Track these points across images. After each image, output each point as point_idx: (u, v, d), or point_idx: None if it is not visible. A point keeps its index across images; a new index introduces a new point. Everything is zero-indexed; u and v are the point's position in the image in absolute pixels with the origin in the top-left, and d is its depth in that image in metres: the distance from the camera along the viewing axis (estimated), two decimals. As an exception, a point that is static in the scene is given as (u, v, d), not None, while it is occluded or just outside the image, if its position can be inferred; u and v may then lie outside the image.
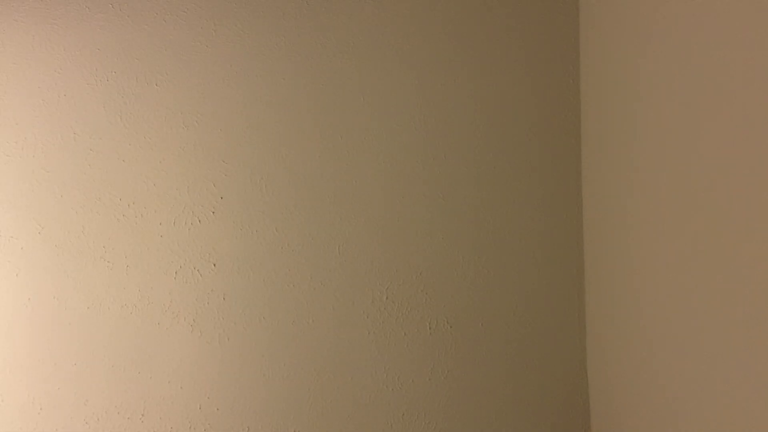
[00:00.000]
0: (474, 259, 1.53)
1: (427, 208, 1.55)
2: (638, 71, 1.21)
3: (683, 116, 1.02)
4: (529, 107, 1.56)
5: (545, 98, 1.56)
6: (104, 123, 1.57)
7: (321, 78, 1.57)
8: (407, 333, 1.52)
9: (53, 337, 1.52)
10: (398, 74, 1.57)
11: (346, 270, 1.53)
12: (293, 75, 1.57)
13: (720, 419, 0.91)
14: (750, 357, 0.83)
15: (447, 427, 1.51)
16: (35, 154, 1.56)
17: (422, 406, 1.51)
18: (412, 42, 1.58)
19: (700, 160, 0.96)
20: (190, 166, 1.55)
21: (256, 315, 1.53)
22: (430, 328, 1.52)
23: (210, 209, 1.54)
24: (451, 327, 1.52)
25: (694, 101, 0.98)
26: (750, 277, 0.82)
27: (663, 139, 1.10)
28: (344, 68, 1.57)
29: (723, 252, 0.90)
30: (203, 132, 1.56)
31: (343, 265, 1.54)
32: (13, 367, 1.52)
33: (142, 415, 1.51)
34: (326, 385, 1.51)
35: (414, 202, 1.55)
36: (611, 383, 1.38)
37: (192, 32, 1.58)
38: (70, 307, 1.53)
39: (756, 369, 0.81)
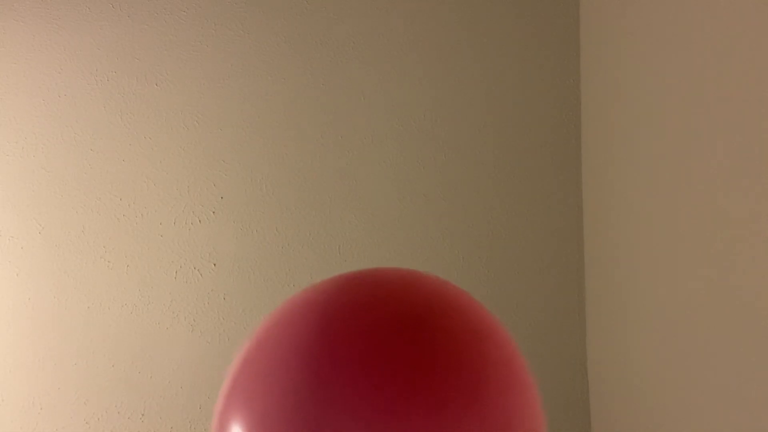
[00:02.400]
0: (474, 259, 1.53)
1: (427, 208, 1.55)
2: (639, 70, 1.21)
3: (684, 115, 1.02)
4: (530, 107, 1.56)
5: (545, 98, 1.56)
6: (104, 123, 1.57)
7: (321, 77, 1.57)
8: (407, 333, 1.52)
9: (53, 336, 1.52)
10: (398, 75, 1.57)
11: (346, 270, 1.53)
12: (294, 74, 1.57)
13: (720, 419, 0.91)
14: (750, 357, 0.83)
15: (447, 427, 1.50)
16: (35, 153, 1.56)
17: (422, 406, 1.51)
18: (411, 43, 1.57)
19: (700, 159, 0.96)
20: (191, 166, 1.55)
21: (256, 315, 1.53)
22: (430, 328, 1.52)
23: (210, 209, 1.54)
24: (451, 327, 1.52)
25: (694, 100, 0.98)
26: (750, 276, 0.82)
27: (663, 138, 1.10)
28: (344, 68, 1.57)
29: (723, 252, 0.89)
30: (204, 132, 1.56)
31: (343, 265, 1.54)
32: (13, 367, 1.52)
33: (142, 414, 1.51)
34: (326, 385, 1.51)
35: (414, 202, 1.55)
36: (611, 383, 1.38)
37: (192, 32, 1.58)
38: (70, 307, 1.52)
39: (756, 369, 0.81)
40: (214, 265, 1.54)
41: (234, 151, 1.56)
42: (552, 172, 1.55)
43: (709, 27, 0.93)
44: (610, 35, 1.37)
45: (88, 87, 1.58)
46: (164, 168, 1.56)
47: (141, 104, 1.57)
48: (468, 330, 0.51)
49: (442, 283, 0.56)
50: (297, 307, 0.54)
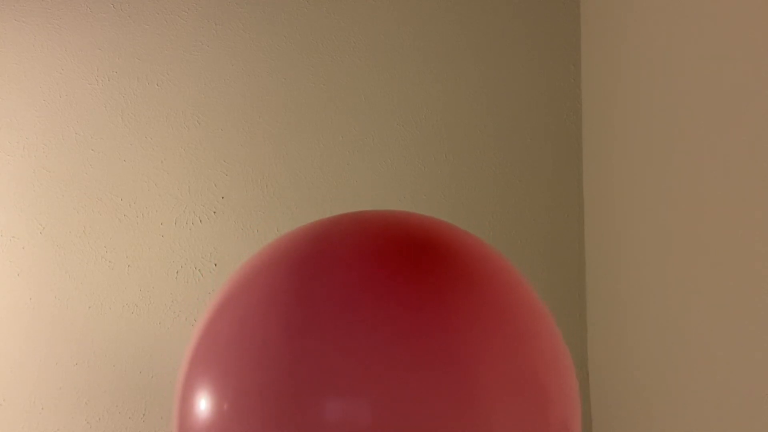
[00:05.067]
0: (475, 259, 1.53)
1: (428, 208, 1.55)
2: (640, 70, 1.21)
3: (686, 114, 1.02)
4: (530, 108, 1.56)
5: (546, 98, 1.56)
6: (105, 123, 1.57)
7: (322, 77, 1.57)
8: (408, 333, 1.52)
9: (54, 336, 1.52)
10: (399, 75, 1.57)
11: (347, 270, 1.53)
12: (294, 74, 1.57)
13: (721, 419, 0.91)
14: (752, 357, 0.83)
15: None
16: (36, 154, 1.56)
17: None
18: (412, 43, 1.58)
19: (702, 158, 0.96)
20: (191, 166, 1.56)
21: (257, 315, 1.53)
22: (431, 328, 1.52)
23: (211, 209, 1.55)
24: (451, 327, 1.52)
25: (696, 99, 0.98)
26: (753, 276, 0.83)
27: (664, 137, 1.10)
28: (345, 68, 1.57)
29: (726, 251, 0.90)
30: (204, 132, 1.56)
31: (344, 265, 1.53)
32: (13, 367, 1.52)
33: (143, 414, 1.51)
34: (327, 384, 1.51)
35: (414, 202, 1.55)
36: (611, 383, 1.38)
37: (193, 32, 1.59)
38: (71, 307, 1.52)
39: (758, 369, 0.82)
40: (215, 265, 1.54)
41: (235, 152, 1.56)
42: (553, 172, 1.55)
43: (711, 25, 0.93)
44: (611, 34, 1.38)
45: (88, 87, 1.58)
46: (165, 168, 1.56)
47: (142, 104, 1.57)
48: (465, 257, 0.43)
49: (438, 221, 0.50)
50: (266, 257, 0.48)
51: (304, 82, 1.57)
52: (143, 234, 1.54)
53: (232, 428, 0.38)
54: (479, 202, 1.55)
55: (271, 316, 0.39)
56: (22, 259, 1.54)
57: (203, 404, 0.40)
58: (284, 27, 1.58)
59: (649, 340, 1.17)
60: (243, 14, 1.59)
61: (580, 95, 1.55)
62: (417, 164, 1.55)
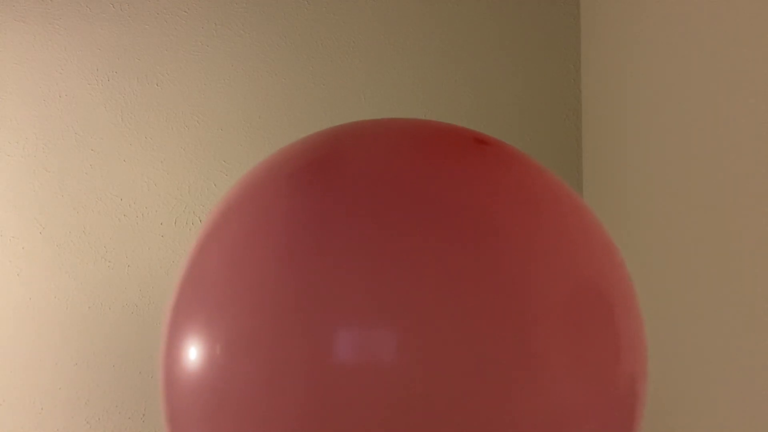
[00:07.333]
0: (475, 259, 1.53)
1: (428, 207, 1.55)
2: (640, 69, 1.21)
3: (685, 114, 1.02)
4: (530, 108, 1.56)
5: (546, 98, 1.56)
6: (105, 123, 1.57)
7: (322, 77, 1.57)
8: (408, 333, 1.52)
9: (54, 336, 1.52)
10: (398, 74, 1.57)
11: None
12: (294, 74, 1.57)
13: (721, 418, 0.91)
14: (753, 357, 0.83)
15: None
16: (36, 153, 1.56)
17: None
18: (412, 41, 1.58)
19: (702, 158, 0.96)
20: (191, 166, 1.55)
21: (257, 315, 1.53)
22: (431, 328, 1.52)
23: (211, 209, 1.54)
24: (451, 326, 1.52)
25: (696, 99, 0.98)
26: (754, 277, 0.83)
27: (664, 137, 1.10)
28: (345, 67, 1.57)
29: (727, 251, 0.90)
30: (204, 132, 1.56)
31: (344, 265, 1.53)
32: (13, 367, 1.52)
33: (143, 414, 1.51)
34: (327, 384, 1.51)
35: (415, 202, 1.55)
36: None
37: (192, 32, 1.58)
38: (71, 307, 1.52)
39: (759, 370, 0.82)
40: (215, 265, 1.53)
41: (235, 151, 1.56)
42: (553, 172, 1.55)
43: (710, 24, 0.93)
44: (611, 33, 1.38)
45: (88, 87, 1.58)
46: (165, 168, 1.56)
47: (141, 104, 1.57)
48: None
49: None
50: (259, 170, 0.36)
51: (304, 82, 1.57)
52: (143, 234, 1.54)
53: (226, 375, 0.31)
54: (479, 202, 1.54)
55: (268, 236, 0.31)
56: (22, 259, 1.54)
57: (192, 350, 0.32)
58: (284, 27, 1.58)
59: (648, 340, 1.17)
60: (242, 14, 1.59)
61: (580, 95, 1.55)
62: (417, 164, 1.55)
